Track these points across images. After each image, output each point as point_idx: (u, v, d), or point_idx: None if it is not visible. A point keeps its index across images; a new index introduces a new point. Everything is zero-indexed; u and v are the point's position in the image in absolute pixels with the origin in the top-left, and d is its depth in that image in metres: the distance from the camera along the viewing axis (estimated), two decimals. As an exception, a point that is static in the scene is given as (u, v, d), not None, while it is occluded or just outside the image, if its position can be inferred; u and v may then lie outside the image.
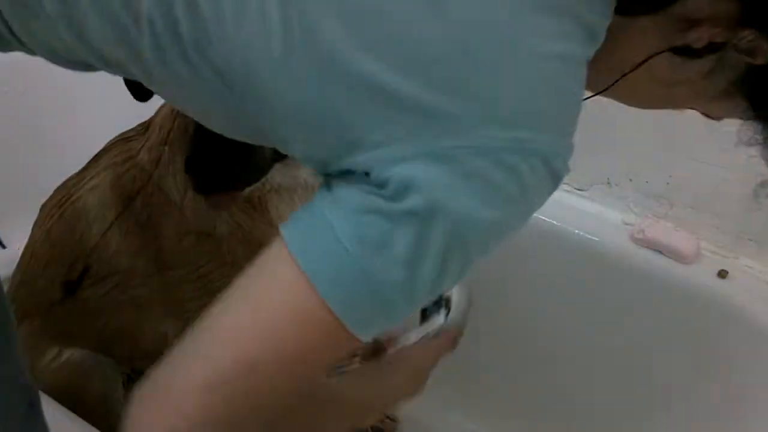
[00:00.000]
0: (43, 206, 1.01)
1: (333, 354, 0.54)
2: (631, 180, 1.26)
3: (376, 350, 0.78)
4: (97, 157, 1.00)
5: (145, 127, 0.97)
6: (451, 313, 0.84)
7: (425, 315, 0.85)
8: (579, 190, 1.33)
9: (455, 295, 0.85)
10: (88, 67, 0.61)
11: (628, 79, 0.59)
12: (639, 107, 0.65)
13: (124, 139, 0.99)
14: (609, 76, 0.59)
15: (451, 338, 0.83)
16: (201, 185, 0.84)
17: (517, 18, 0.49)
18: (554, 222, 1.27)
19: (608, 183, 1.29)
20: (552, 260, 1.29)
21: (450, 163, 0.48)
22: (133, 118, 1.00)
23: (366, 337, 0.52)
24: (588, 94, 0.59)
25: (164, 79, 0.56)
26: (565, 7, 0.51)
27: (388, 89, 0.49)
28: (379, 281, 0.50)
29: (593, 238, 1.24)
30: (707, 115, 0.65)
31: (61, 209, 0.98)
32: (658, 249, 1.19)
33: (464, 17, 0.49)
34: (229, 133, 0.63)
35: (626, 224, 1.25)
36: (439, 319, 0.83)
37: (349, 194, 0.51)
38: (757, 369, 1.09)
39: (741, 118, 0.60)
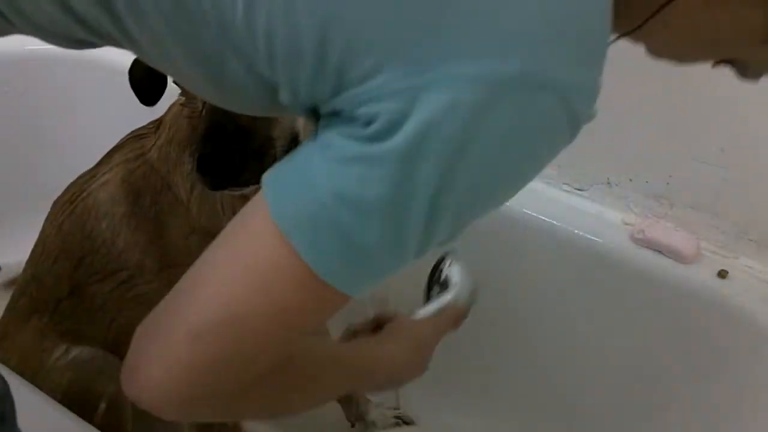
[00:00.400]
0: (56, 202, 1.02)
1: (320, 309, 0.50)
2: (631, 180, 1.26)
3: (377, 327, 0.75)
4: (110, 154, 1.01)
5: (157, 124, 0.98)
6: (455, 293, 0.84)
7: (429, 296, 0.85)
8: (579, 190, 1.33)
9: (459, 275, 0.85)
10: (79, 43, 0.58)
11: (663, 15, 0.50)
12: (671, 56, 0.57)
13: (136, 136, 0.99)
14: (641, 10, 0.51)
15: (455, 316, 0.81)
16: (213, 183, 0.84)
17: None
18: (554, 222, 1.27)
19: (608, 183, 1.29)
20: (552, 260, 1.29)
21: (443, 94, 0.43)
22: (134, 119, 1.01)
23: (354, 292, 0.49)
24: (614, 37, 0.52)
25: (145, 42, 0.53)
26: None
27: (371, 7, 0.44)
28: (358, 239, 0.46)
29: (593, 238, 1.24)
30: (743, 74, 0.57)
31: (72, 205, 0.98)
32: (658, 249, 1.19)
33: None
34: (217, 100, 0.59)
35: (626, 224, 1.25)
36: (444, 299, 0.83)
37: (331, 140, 0.46)
38: (757, 369, 1.09)
39: None
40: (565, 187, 1.34)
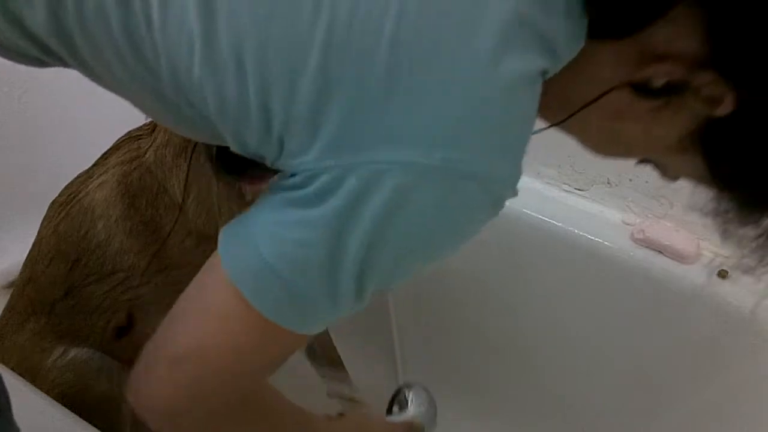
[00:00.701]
0: (53, 203, 1.02)
1: (276, 346, 0.56)
2: (631, 180, 1.26)
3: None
4: (106, 155, 1.00)
5: (152, 126, 0.98)
6: (415, 411, 0.95)
7: (390, 410, 0.97)
8: (579, 190, 1.33)
9: (421, 399, 0.97)
10: (39, 61, 0.60)
11: (580, 117, 0.55)
12: (593, 151, 0.61)
13: (132, 137, 0.99)
14: (565, 108, 0.56)
15: (407, 429, 0.91)
16: (230, 168, 0.85)
17: (461, 25, 0.46)
18: (554, 222, 1.27)
19: (608, 183, 1.29)
20: (552, 260, 1.29)
21: (371, 173, 0.47)
22: (131, 119, 1.00)
23: (306, 331, 0.55)
24: (539, 124, 0.56)
25: (103, 75, 0.56)
26: (526, 22, 0.47)
27: (305, 95, 0.47)
28: (299, 291, 0.51)
29: (593, 238, 1.24)
30: (663, 174, 0.62)
31: (68, 206, 0.98)
32: (658, 249, 1.19)
33: (404, 19, 0.46)
34: (177, 131, 0.65)
35: (626, 224, 1.25)
36: (405, 414, 0.95)
37: (275, 203, 0.52)
38: (757, 369, 1.09)
39: (698, 181, 0.57)
40: (565, 187, 1.34)
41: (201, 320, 0.55)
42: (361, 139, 0.47)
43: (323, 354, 1.25)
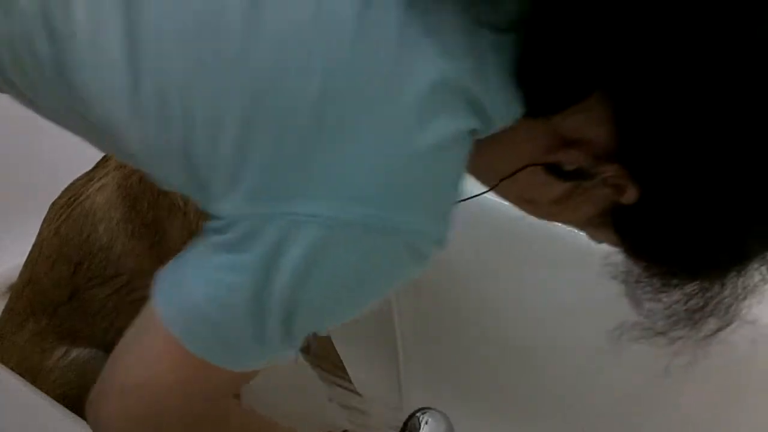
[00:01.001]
0: (53, 204, 1.02)
1: (224, 381, 0.57)
2: (631, 180, 1.26)
3: None
4: (106, 158, 1.00)
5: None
6: None
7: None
8: (579, 190, 1.32)
9: (434, 424, 0.95)
10: None
11: (503, 183, 0.58)
12: (528, 213, 0.63)
13: None
14: (490, 174, 0.58)
15: None
16: None
17: (387, 86, 0.47)
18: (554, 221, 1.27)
19: (608, 183, 1.29)
20: (552, 260, 1.29)
21: (288, 224, 0.48)
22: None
23: (238, 369, 0.56)
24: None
25: (40, 106, 0.58)
26: (452, 84, 0.48)
27: (227, 144, 0.48)
28: (228, 336, 0.53)
29: (594, 238, 1.24)
30: (590, 237, 0.65)
31: (69, 208, 0.98)
32: (658, 249, 1.19)
33: (330, 77, 0.47)
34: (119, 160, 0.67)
35: (626, 224, 1.25)
36: None
37: (206, 245, 0.53)
38: (757, 369, 1.09)
39: (618, 249, 0.60)
40: (565, 187, 1.34)
41: (144, 355, 0.57)
42: (281, 190, 0.48)
43: (324, 356, 1.25)
